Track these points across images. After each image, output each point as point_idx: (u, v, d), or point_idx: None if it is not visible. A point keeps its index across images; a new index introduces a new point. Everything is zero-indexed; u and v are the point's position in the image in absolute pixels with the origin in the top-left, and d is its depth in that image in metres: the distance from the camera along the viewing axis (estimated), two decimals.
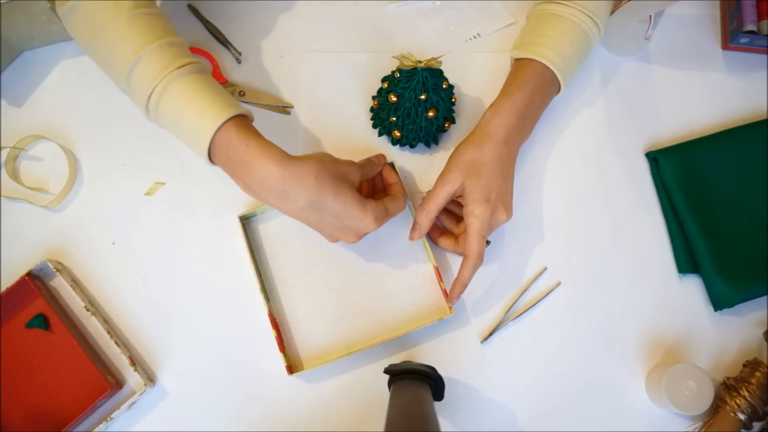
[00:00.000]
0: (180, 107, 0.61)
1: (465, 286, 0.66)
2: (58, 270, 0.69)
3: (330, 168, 0.61)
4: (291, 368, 0.67)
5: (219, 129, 0.60)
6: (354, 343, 0.69)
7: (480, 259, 0.65)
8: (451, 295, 0.67)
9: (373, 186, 0.71)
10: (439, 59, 0.69)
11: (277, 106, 0.77)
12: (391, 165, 0.72)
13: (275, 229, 0.73)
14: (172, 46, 0.63)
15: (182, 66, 0.61)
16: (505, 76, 0.73)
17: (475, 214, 0.65)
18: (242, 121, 0.62)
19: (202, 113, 0.60)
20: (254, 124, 0.72)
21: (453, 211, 0.73)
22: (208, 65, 0.77)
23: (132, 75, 0.61)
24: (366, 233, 0.65)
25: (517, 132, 0.69)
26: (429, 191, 0.68)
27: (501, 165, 0.67)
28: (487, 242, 0.68)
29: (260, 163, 0.59)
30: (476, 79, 0.79)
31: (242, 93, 0.77)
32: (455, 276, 0.66)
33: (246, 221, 0.72)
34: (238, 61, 0.79)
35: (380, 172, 0.70)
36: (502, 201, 0.66)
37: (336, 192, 0.60)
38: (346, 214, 0.61)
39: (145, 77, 0.61)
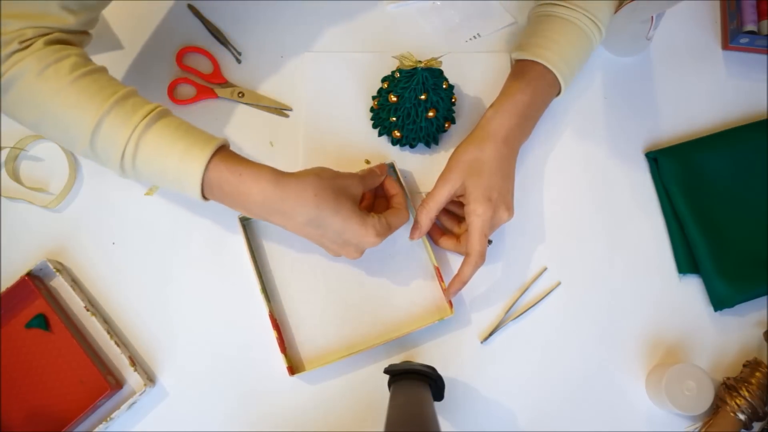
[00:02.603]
0: (159, 158, 0.59)
1: (464, 284, 0.66)
2: (58, 270, 0.69)
3: (329, 183, 0.61)
4: (292, 369, 0.67)
5: (207, 169, 0.59)
6: (355, 343, 0.69)
7: (482, 258, 0.65)
8: (449, 289, 0.67)
9: (375, 195, 0.71)
10: (439, 59, 0.69)
11: (276, 108, 0.77)
12: (392, 166, 0.72)
13: (275, 229, 0.73)
14: (127, 98, 0.60)
15: (146, 115, 0.59)
16: (505, 76, 0.73)
17: (476, 213, 0.65)
18: (225, 151, 0.61)
19: (184, 158, 0.59)
20: (254, 125, 0.72)
21: (454, 212, 0.73)
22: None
23: (96, 141, 0.59)
24: (367, 248, 0.65)
25: (517, 132, 0.69)
26: (430, 191, 0.68)
27: (502, 165, 0.67)
28: (489, 241, 0.69)
29: (257, 189, 0.59)
30: (476, 79, 0.79)
31: (241, 94, 0.77)
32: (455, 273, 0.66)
33: (246, 222, 0.72)
34: (238, 61, 0.79)
35: (382, 183, 0.69)
36: (503, 200, 0.66)
37: (336, 208, 0.60)
38: (348, 230, 0.61)
39: (112, 138, 0.59)
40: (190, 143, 0.59)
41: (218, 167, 0.59)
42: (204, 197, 0.61)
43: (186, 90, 0.78)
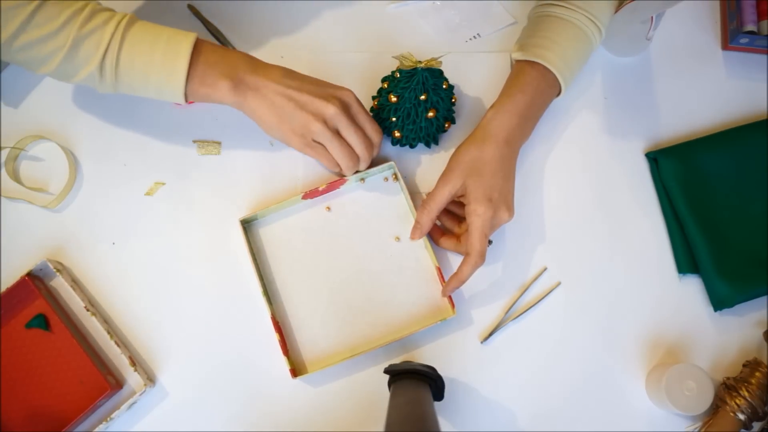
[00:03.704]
0: (150, 38, 0.63)
1: (462, 283, 0.66)
2: (58, 270, 0.69)
3: None
4: (294, 371, 0.67)
5: (196, 42, 0.64)
6: (356, 345, 0.69)
7: (482, 258, 0.65)
8: (446, 287, 0.67)
9: None
10: (439, 59, 0.69)
11: None
12: (392, 167, 0.73)
13: (276, 232, 0.73)
14: (103, 9, 0.64)
15: (125, 16, 0.64)
16: (505, 76, 0.73)
17: (477, 213, 0.65)
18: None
19: (173, 37, 0.64)
20: (254, 126, 0.72)
21: (454, 212, 0.73)
22: None
23: (81, 38, 0.61)
24: (347, 102, 0.67)
25: (518, 132, 0.69)
26: (430, 191, 0.68)
27: (502, 165, 0.67)
28: (489, 241, 0.69)
29: (243, 54, 0.67)
30: (476, 79, 0.79)
31: None
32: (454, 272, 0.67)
33: (247, 225, 0.72)
34: None
35: None
36: (504, 200, 0.66)
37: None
38: (322, 81, 0.67)
39: (96, 35, 0.62)
40: (174, 30, 0.65)
41: (205, 42, 0.66)
42: (185, 81, 0.64)
43: None
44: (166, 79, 0.64)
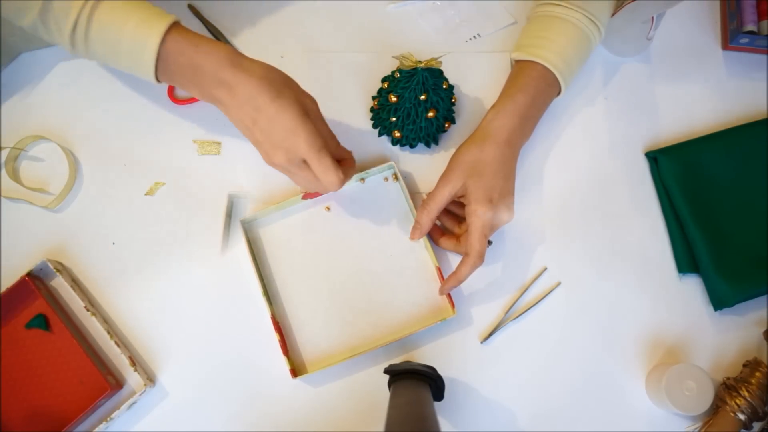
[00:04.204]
0: (114, 26, 0.59)
1: (460, 282, 0.66)
2: (58, 270, 0.69)
3: (280, 75, 0.61)
4: (295, 371, 0.67)
5: (163, 40, 0.59)
6: (357, 345, 0.69)
7: (481, 258, 0.65)
8: (444, 286, 0.67)
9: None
10: (439, 59, 0.69)
11: None
12: (392, 167, 0.73)
13: (276, 232, 0.73)
14: None
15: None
16: (505, 76, 0.73)
17: (477, 214, 0.65)
18: (180, 27, 0.61)
19: (140, 26, 0.59)
20: None
21: (454, 212, 0.73)
22: None
23: (48, 10, 0.59)
24: (297, 157, 0.59)
25: (518, 133, 0.69)
26: (430, 192, 0.69)
27: (503, 165, 0.67)
28: (489, 242, 0.69)
29: (213, 58, 0.59)
30: (476, 79, 0.79)
31: None
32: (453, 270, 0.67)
33: (247, 225, 0.72)
34: None
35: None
36: (504, 201, 0.66)
37: (277, 95, 0.58)
38: (278, 123, 0.58)
39: (65, 9, 0.59)
40: (146, 15, 0.59)
41: (175, 38, 0.60)
42: (156, 78, 0.61)
43: None
44: (136, 71, 0.62)
